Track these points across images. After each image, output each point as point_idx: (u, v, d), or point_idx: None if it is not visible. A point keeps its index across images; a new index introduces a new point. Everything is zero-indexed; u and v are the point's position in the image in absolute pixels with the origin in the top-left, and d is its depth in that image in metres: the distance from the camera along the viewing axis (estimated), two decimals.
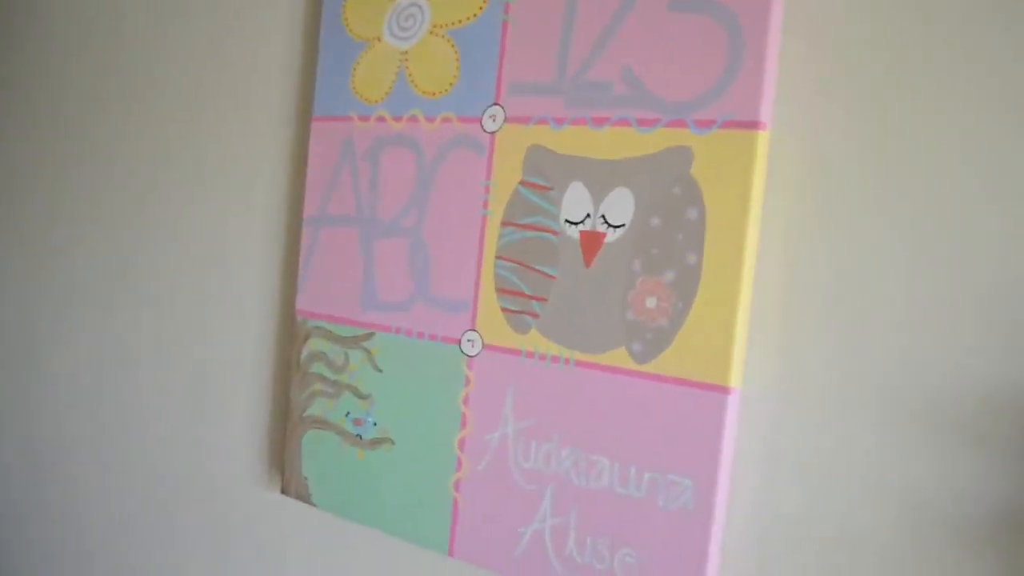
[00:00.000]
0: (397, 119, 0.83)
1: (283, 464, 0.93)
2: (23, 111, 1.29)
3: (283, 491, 0.93)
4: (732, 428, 0.67)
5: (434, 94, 0.81)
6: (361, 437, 0.86)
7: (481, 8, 0.78)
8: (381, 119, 0.85)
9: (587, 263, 0.72)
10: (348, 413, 0.87)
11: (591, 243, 0.72)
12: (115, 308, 1.15)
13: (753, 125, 0.64)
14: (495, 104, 0.77)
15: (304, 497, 0.91)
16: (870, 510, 0.63)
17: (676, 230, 0.67)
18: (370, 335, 0.86)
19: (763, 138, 0.65)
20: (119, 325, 1.15)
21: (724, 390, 0.66)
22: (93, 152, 1.19)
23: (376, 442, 0.85)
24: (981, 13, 0.59)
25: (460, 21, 0.79)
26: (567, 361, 0.73)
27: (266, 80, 0.98)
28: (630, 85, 0.70)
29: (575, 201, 0.72)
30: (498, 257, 0.77)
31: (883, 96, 0.62)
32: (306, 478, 0.91)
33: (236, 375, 1.02)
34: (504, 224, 0.77)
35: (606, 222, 0.71)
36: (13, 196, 1.31)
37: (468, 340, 0.79)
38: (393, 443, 0.84)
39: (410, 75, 0.83)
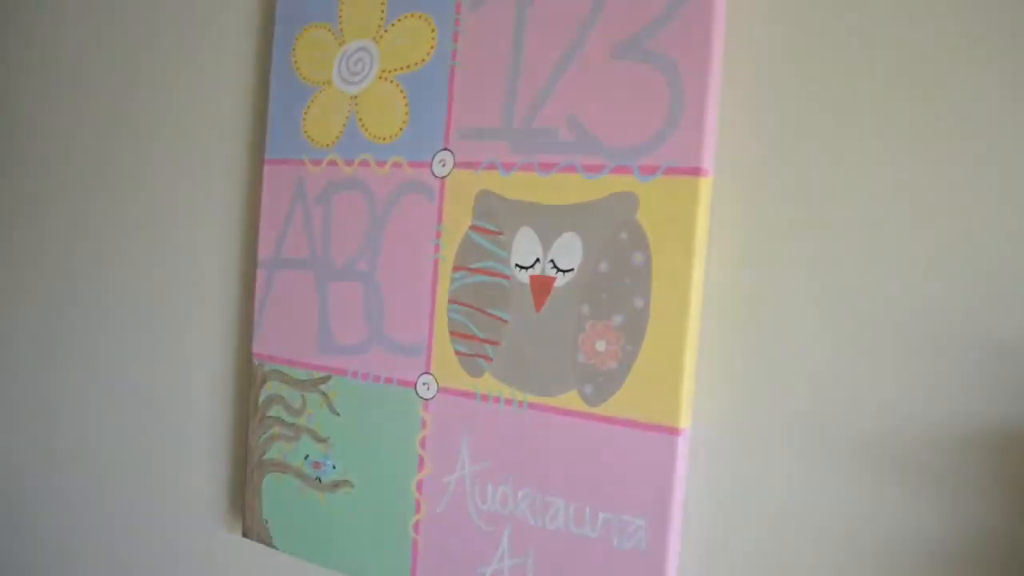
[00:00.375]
0: (348, 163, 0.84)
1: (244, 507, 0.93)
2: None
3: (244, 534, 0.93)
4: (683, 468, 0.68)
5: (384, 139, 0.81)
6: (320, 480, 0.86)
7: (429, 54, 0.79)
8: (333, 163, 0.85)
9: (537, 307, 0.73)
10: (307, 456, 0.87)
11: (541, 288, 0.72)
12: (73, 352, 1.15)
13: (695, 171, 0.65)
14: (444, 149, 0.78)
15: (265, 540, 0.91)
16: (820, 547, 0.64)
17: (623, 274, 0.68)
18: (327, 378, 0.86)
19: (705, 184, 0.66)
20: (76, 368, 1.14)
21: (674, 431, 0.67)
22: (42, 188, 1.18)
23: (335, 485, 0.85)
24: (911, 65, 0.60)
25: (409, 66, 0.80)
26: (520, 404, 0.74)
27: (218, 122, 0.98)
28: (575, 131, 0.71)
29: (525, 246, 0.73)
30: (451, 301, 0.77)
31: (823, 140, 0.64)
32: (267, 521, 0.91)
33: (196, 419, 1.01)
34: (456, 268, 0.77)
35: (555, 267, 0.72)
36: None
37: (423, 383, 0.79)
38: (352, 486, 0.84)
39: (360, 120, 0.83)
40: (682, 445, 0.67)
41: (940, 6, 0.59)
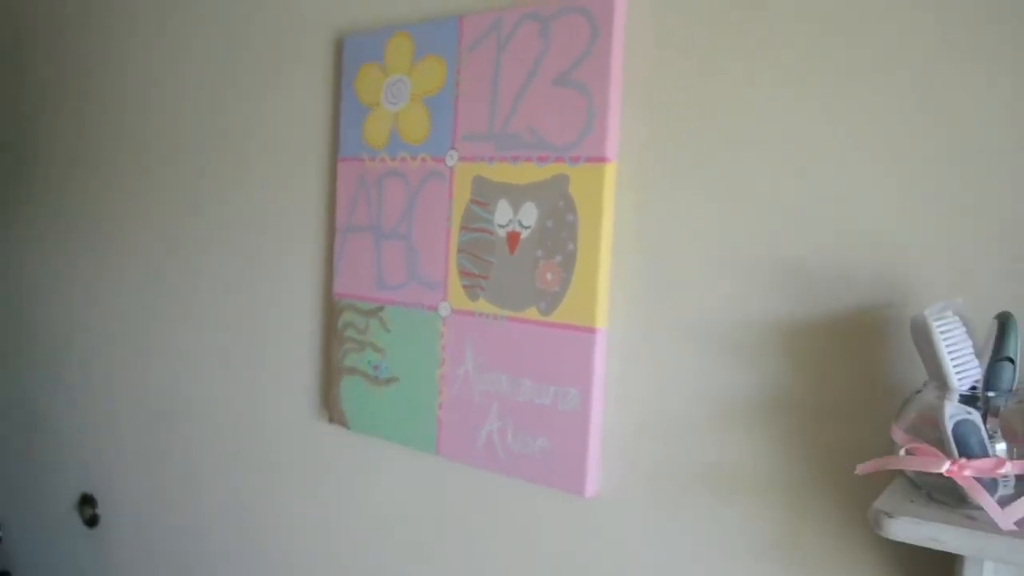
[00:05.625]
0: (392, 159, 1.22)
1: (329, 401, 1.33)
2: (112, 144, 1.73)
3: (330, 420, 1.33)
4: (602, 354, 1.03)
5: (415, 142, 1.19)
6: (378, 378, 1.25)
7: (442, 84, 1.16)
8: (382, 160, 1.24)
9: (511, 252, 1.09)
10: (370, 362, 1.26)
11: (513, 239, 1.09)
12: (213, 307, 1.58)
13: (603, 159, 1.01)
14: (453, 148, 1.15)
15: (344, 423, 1.31)
16: (693, 405, 0.99)
17: (561, 228, 1.04)
18: (381, 308, 1.25)
19: (611, 167, 1.01)
20: (216, 317, 1.57)
21: (594, 330, 1.02)
22: (189, 205, 1.61)
23: (388, 380, 1.24)
24: (763, 100, 0.94)
25: (430, 91, 1.17)
26: (502, 317, 1.10)
27: (305, 133, 1.39)
28: (532, 135, 1.07)
29: (502, 212, 1.10)
30: (458, 251, 1.15)
31: (695, 133, 0.98)
32: (344, 410, 1.30)
33: (296, 341, 1.42)
34: (462, 229, 1.14)
35: (521, 225, 1.08)
36: (123, 234, 1.75)
37: (442, 307, 1.17)
38: (399, 380, 1.23)
39: (399, 129, 1.21)
40: (600, 339, 1.03)
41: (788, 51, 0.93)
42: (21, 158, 2.06)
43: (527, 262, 1.08)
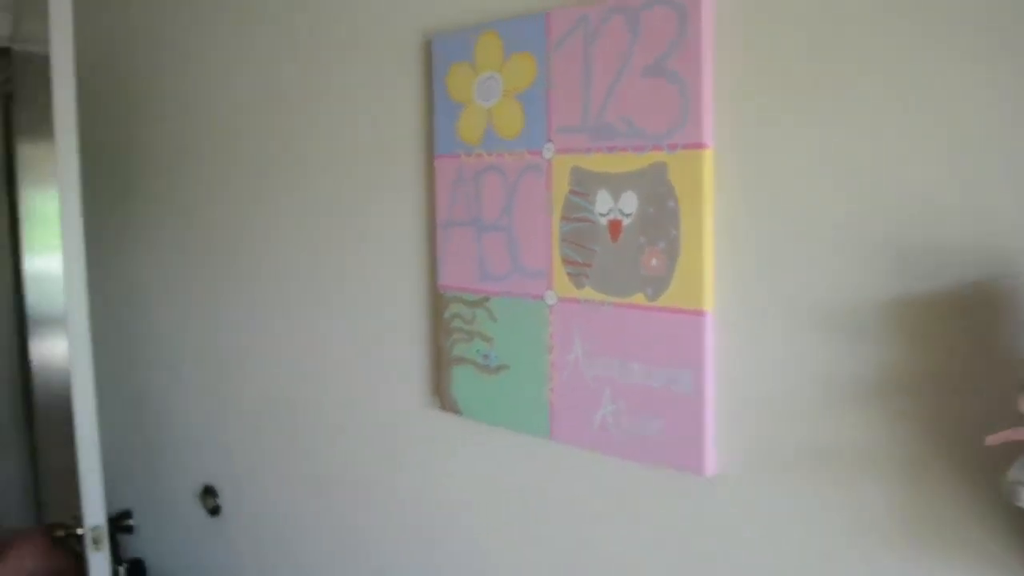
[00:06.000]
0: (489, 154, 1.25)
1: (440, 389, 1.38)
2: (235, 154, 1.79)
3: (442, 408, 1.38)
4: (711, 336, 1.06)
5: (511, 136, 1.22)
6: (488, 366, 1.30)
7: (533, 79, 1.18)
8: (479, 155, 1.27)
9: (613, 240, 1.12)
10: (479, 351, 1.31)
11: (615, 227, 1.12)
12: (322, 303, 1.64)
13: (700, 146, 1.02)
14: (548, 141, 1.18)
15: (455, 410, 1.36)
16: (807, 384, 1.01)
17: (663, 215, 1.06)
18: (487, 298, 1.29)
19: (708, 153, 1.03)
20: (325, 313, 1.64)
21: (702, 313, 1.05)
22: (291, 206, 1.67)
23: (498, 368, 1.28)
24: (838, 74, 0.95)
25: (521, 87, 1.20)
26: (608, 304, 1.13)
27: (403, 133, 1.43)
28: (626, 125, 1.09)
29: (602, 201, 1.12)
30: (561, 240, 1.18)
31: (787, 120, 0.99)
32: (455, 397, 1.35)
33: (407, 333, 1.48)
34: (562, 219, 1.17)
35: (622, 213, 1.10)
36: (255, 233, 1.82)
37: (548, 296, 1.20)
38: (509, 368, 1.27)
39: (494, 125, 1.24)
40: (709, 321, 1.05)
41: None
42: (132, 163, 2.15)
43: (630, 249, 1.10)
